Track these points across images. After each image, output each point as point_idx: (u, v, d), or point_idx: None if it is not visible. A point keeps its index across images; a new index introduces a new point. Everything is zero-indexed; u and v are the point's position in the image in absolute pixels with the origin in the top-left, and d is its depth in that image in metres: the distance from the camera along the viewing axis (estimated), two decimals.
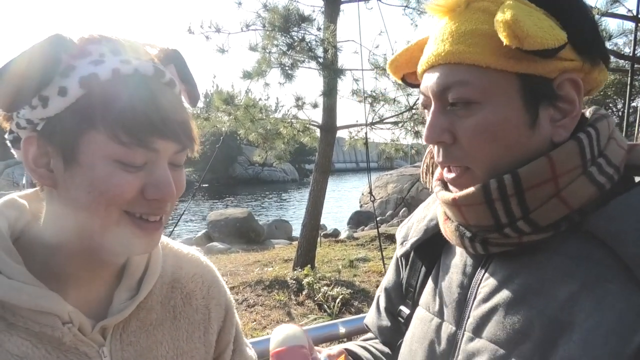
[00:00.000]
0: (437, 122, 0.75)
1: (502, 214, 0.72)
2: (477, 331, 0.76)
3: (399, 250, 1.00)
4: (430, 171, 0.93)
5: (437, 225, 0.89)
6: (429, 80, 0.76)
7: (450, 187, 0.80)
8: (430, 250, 0.93)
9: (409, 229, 1.00)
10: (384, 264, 6.45)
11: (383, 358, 1.04)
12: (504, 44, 0.67)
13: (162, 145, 0.71)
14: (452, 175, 0.78)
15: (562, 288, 0.68)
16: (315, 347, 0.90)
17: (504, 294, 0.74)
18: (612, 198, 0.69)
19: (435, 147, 0.79)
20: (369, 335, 1.14)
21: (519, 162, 0.71)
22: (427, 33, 0.83)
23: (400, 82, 0.90)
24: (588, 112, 0.79)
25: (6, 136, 0.74)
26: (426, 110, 0.80)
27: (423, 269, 0.95)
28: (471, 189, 0.73)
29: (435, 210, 0.93)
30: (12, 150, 0.76)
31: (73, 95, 0.67)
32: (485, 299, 0.76)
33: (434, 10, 0.77)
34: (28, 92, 0.67)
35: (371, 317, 1.12)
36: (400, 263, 1.04)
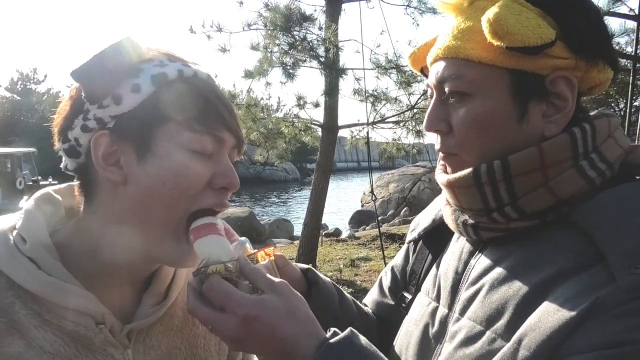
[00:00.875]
0: (435, 112, 0.81)
1: (491, 198, 0.76)
2: (462, 312, 0.80)
3: (409, 236, 1.06)
4: None
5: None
6: (431, 73, 0.82)
7: (447, 170, 0.85)
8: (437, 239, 0.97)
9: (421, 218, 1.05)
10: (385, 263, 6.44)
11: (353, 305, 1.05)
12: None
13: (226, 136, 0.77)
14: (447, 160, 0.83)
15: (539, 273, 0.71)
16: None
17: (489, 276, 0.78)
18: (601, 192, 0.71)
19: (436, 135, 0.84)
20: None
21: (508, 152, 0.75)
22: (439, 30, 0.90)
23: (419, 73, 0.95)
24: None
25: (61, 145, 0.76)
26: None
27: (429, 257, 0.99)
28: (463, 172, 0.78)
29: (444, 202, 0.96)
30: (68, 160, 0.77)
31: (145, 92, 0.72)
32: (473, 282, 0.80)
33: (440, 7, 0.83)
34: (103, 90, 0.72)
35: (371, 295, 1.14)
36: (409, 249, 1.08)
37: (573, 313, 0.62)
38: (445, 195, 0.87)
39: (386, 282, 1.11)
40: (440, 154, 0.85)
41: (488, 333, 0.73)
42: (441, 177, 0.84)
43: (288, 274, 0.89)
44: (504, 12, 0.70)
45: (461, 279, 0.84)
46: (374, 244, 8.93)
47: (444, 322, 0.83)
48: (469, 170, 0.77)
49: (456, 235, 0.91)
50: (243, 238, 0.84)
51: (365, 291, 5.94)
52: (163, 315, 0.85)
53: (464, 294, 0.81)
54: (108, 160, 0.73)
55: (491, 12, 0.71)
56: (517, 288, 0.72)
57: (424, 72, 0.92)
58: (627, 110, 4.66)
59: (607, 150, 0.74)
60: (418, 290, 0.97)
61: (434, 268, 0.94)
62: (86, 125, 0.73)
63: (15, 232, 0.74)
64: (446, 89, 0.78)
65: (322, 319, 0.71)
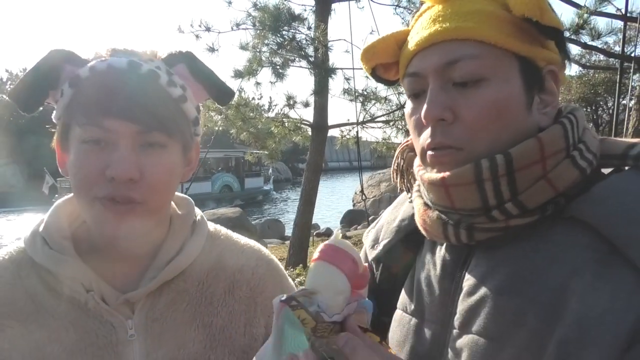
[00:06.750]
0: (439, 98, 0.72)
1: (491, 195, 0.70)
2: (465, 326, 0.73)
3: (370, 253, 0.95)
4: (402, 172, 0.92)
5: (409, 225, 0.87)
6: (429, 58, 0.74)
7: (438, 168, 0.76)
8: (404, 252, 0.90)
9: (379, 232, 0.96)
10: None
11: None
12: (505, 23, 0.70)
13: (113, 124, 0.77)
14: (441, 156, 0.74)
15: (552, 274, 0.67)
16: None
17: (491, 284, 0.71)
18: (593, 184, 0.69)
19: (429, 128, 0.74)
20: None
21: (511, 144, 0.71)
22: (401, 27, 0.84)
23: (369, 72, 0.86)
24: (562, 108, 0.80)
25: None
26: (411, 99, 0.78)
27: (398, 270, 0.91)
28: (462, 168, 0.71)
29: (405, 210, 0.91)
30: None
31: (67, 96, 0.80)
32: (471, 292, 0.73)
33: None
34: (40, 100, 0.82)
35: None
36: (371, 268, 0.96)
37: (620, 333, 0.60)
38: (423, 201, 0.81)
39: None
40: (430, 152, 0.75)
41: (509, 350, 0.67)
42: (431, 176, 0.75)
43: None
44: None
45: (451, 289, 0.77)
46: None
47: (438, 340, 0.76)
48: (468, 165, 0.71)
49: (429, 242, 0.85)
50: (368, 301, 0.74)
51: None
52: (170, 291, 0.88)
53: (461, 306, 0.74)
54: (60, 161, 0.86)
55: None
56: (532, 295, 0.67)
57: (376, 72, 0.85)
58: (615, 109, 4.71)
59: (589, 141, 0.73)
60: (393, 307, 0.88)
61: (407, 282, 0.87)
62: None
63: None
64: (456, 72, 0.71)
65: None
